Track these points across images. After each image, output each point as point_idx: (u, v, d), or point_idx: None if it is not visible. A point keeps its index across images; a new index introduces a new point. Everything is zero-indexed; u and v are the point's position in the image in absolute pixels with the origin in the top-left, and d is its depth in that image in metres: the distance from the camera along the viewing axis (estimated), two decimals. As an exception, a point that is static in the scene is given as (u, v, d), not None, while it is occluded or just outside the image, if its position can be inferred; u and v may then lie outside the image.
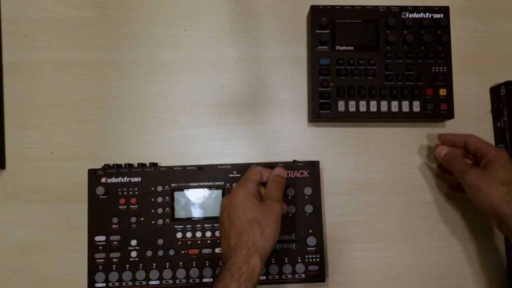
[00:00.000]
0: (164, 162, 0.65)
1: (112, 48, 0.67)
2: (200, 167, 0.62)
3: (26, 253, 0.63)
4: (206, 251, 0.60)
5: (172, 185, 0.61)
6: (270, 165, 0.62)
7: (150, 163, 0.63)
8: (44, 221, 0.63)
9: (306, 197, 0.61)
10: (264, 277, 0.60)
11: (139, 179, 0.61)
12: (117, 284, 0.59)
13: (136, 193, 0.61)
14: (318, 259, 0.60)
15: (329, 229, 0.64)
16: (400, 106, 0.63)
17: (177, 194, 0.61)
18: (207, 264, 0.60)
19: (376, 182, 0.66)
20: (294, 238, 0.61)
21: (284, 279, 0.60)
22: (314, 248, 0.60)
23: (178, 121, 0.66)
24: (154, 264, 0.60)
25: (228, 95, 0.67)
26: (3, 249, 0.63)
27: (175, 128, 0.66)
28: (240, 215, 0.49)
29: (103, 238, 0.60)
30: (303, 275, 0.60)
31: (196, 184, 0.62)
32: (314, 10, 0.65)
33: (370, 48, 0.64)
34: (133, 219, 0.60)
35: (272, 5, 0.69)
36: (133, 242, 0.60)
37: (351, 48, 0.64)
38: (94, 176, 0.61)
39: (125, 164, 0.62)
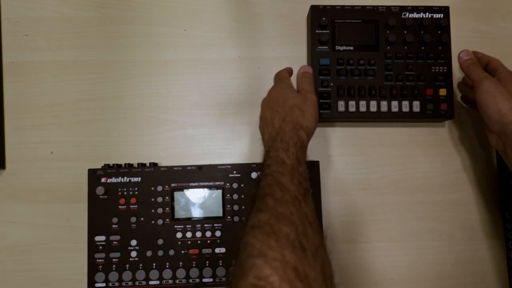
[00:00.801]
0: (164, 162, 0.65)
1: (112, 48, 0.67)
2: (200, 167, 0.62)
3: (26, 253, 0.63)
4: (206, 251, 0.60)
5: (172, 185, 0.61)
6: (270, 165, 0.62)
7: (150, 163, 0.63)
8: (44, 221, 0.63)
9: (306, 197, 0.61)
10: (264, 277, 0.60)
11: (139, 179, 0.61)
12: (117, 284, 0.59)
13: (136, 193, 0.61)
14: (318, 259, 0.60)
15: (328, 229, 0.64)
16: (400, 106, 0.63)
17: (177, 194, 0.61)
18: (207, 264, 0.60)
19: (376, 182, 0.66)
20: (294, 238, 0.61)
21: (284, 279, 0.60)
22: (314, 248, 0.60)
23: (178, 121, 0.66)
24: (154, 264, 0.60)
25: (228, 95, 0.67)
26: (3, 249, 0.63)
27: (175, 128, 0.66)
28: (282, 103, 0.53)
29: (103, 238, 0.60)
30: (303, 275, 0.60)
31: (196, 184, 0.62)
32: (314, 10, 0.65)
33: (370, 48, 0.64)
34: (133, 219, 0.60)
35: (272, 5, 0.69)
36: (133, 242, 0.60)
37: (351, 48, 0.64)
38: (94, 176, 0.61)
39: (125, 164, 0.62)
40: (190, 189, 0.61)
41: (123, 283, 0.59)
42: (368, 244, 0.65)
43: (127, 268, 0.60)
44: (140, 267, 0.60)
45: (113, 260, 0.60)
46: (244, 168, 0.62)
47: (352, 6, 0.65)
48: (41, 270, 0.63)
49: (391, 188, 0.65)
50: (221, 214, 0.61)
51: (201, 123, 0.66)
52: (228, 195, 0.61)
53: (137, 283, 0.59)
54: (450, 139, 0.67)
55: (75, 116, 0.66)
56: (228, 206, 0.61)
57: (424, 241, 0.65)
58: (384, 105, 0.63)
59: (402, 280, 0.64)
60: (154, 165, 0.62)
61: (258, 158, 0.65)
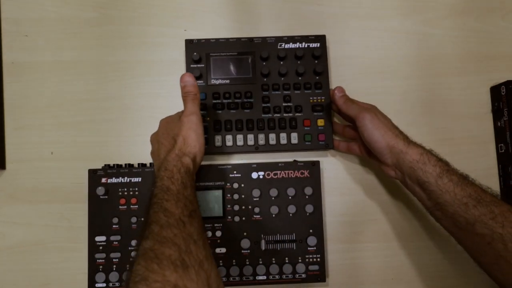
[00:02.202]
0: (164, 162, 0.65)
1: (112, 48, 0.67)
2: (200, 167, 0.62)
3: (26, 253, 0.63)
4: (206, 251, 0.60)
5: (173, 185, 0.61)
6: (270, 165, 0.62)
7: (150, 163, 0.62)
8: (44, 221, 0.63)
9: (307, 197, 0.61)
10: (265, 277, 0.60)
11: (140, 179, 0.61)
12: (117, 284, 0.59)
13: (137, 193, 0.61)
14: (318, 259, 0.60)
15: (329, 229, 0.64)
16: (278, 138, 0.63)
17: (177, 194, 0.61)
18: (208, 264, 0.60)
19: (376, 182, 0.66)
20: (294, 238, 0.61)
21: (284, 279, 0.60)
22: (315, 248, 0.60)
23: (178, 121, 0.66)
24: (155, 264, 0.60)
25: (228, 95, 0.67)
26: (3, 249, 0.63)
27: (175, 128, 0.66)
28: (166, 135, 0.55)
29: (103, 238, 0.60)
30: (303, 275, 0.60)
31: (196, 184, 0.61)
32: (188, 45, 0.64)
33: (246, 80, 0.64)
34: (134, 219, 0.60)
35: (272, 5, 0.69)
36: (134, 242, 0.60)
37: (227, 81, 0.64)
38: (94, 176, 0.61)
39: (125, 164, 0.62)
40: (190, 189, 0.61)
41: (123, 283, 0.59)
42: (368, 244, 0.65)
43: (128, 268, 0.59)
44: (141, 267, 0.59)
45: (114, 260, 0.59)
46: (244, 168, 0.62)
47: (227, 39, 0.64)
48: (41, 270, 0.63)
49: (391, 188, 0.65)
50: (221, 214, 0.61)
51: (201, 123, 0.66)
52: (229, 195, 0.61)
53: (137, 283, 0.59)
54: (451, 139, 0.67)
55: (75, 116, 0.66)
56: (229, 206, 0.61)
57: (424, 241, 0.65)
58: (261, 138, 0.63)
59: (402, 280, 0.64)
60: (154, 165, 0.62)
61: (258, 158, 0.65)
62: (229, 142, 0.63)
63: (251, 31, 0.68)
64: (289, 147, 0.63)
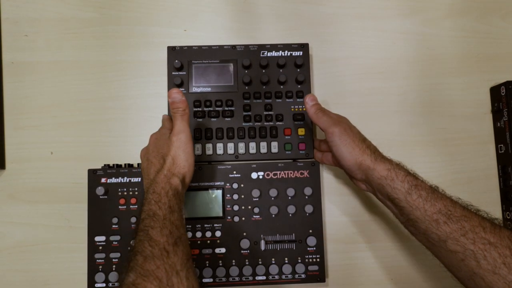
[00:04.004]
0: (164, 162, 0.65)
1: (112, 48, 0.67)
2: (200, 167, 0.62)
3: (26, 253, 0.63)
4: (206, 251, 0.60)
5: (172, 185, 0.61)
6: (270, 165, 0.62)
7: (150, 163, 0.62)
8: (44, 221, 0.63)
9: (306, 197, 0.61)
10: (264, 277, 0.60)
11: (139, 179, 0.61)
12: (117, 284, 0.59)
13: (136, 193, 0.61)
14: (318, 259, 0.60)
15: (329, 229, 0.64)
16: (258, 147, 0.63)
17: (177, 194, 0.61)
18: (207, 264, 0.60)
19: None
20: (294, 238, 0.61)
21: (284, 279, 0.60)
22: (314, 248, 0.60)
23: (178, 121, 0.66)
24: (154, 264, 0.60)
25: (228, 95, 0.67)
26: (3, 249, 0.63)
27: (175, 128, 0.66)
28: (156, 154, 0.54)
29: (103, 238, 0.60)
30: (303, 275, 0.60)
31: (196, 184, 0.61)
32: (170, 52, 0.64)
33: (228, 88, 0.63)
34: (133, 219, 0.60)
35: (272, 5, 0.69)
36: (133, 243, 0.60)
37: (209, 89, 0.63)
38: (94, 176, 0.61)
39: (125, 164, 0.62)
40: (190, 189, 0.61)
41: None
42: (368, 244, 0.65)
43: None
44: (140, 267, 0.59)
45: (113, 260, 0.60)
46: (244, 168, 0.62)
47: (210, 46, 0.64)
48: (41, 270, 0.63)
49: (391, 188, 0.65)
50: (221, 214, 0.61)
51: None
52: (228, 195, 0.61)
53: (137, 283, 0.59)
54: (451, 139, 0.67)
55: (75, 116, 0.66)
56: (228, 206, 0.61)
57: (424, 241, 0.65)
58: (242, 147, 0.62)
59: (402, 280, 0.64)
60: (154, 165, 0.62)
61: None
62: (209, 151, 0.62)
63: (251, 31, 0.68)
64: (269, 156, 0.62)
